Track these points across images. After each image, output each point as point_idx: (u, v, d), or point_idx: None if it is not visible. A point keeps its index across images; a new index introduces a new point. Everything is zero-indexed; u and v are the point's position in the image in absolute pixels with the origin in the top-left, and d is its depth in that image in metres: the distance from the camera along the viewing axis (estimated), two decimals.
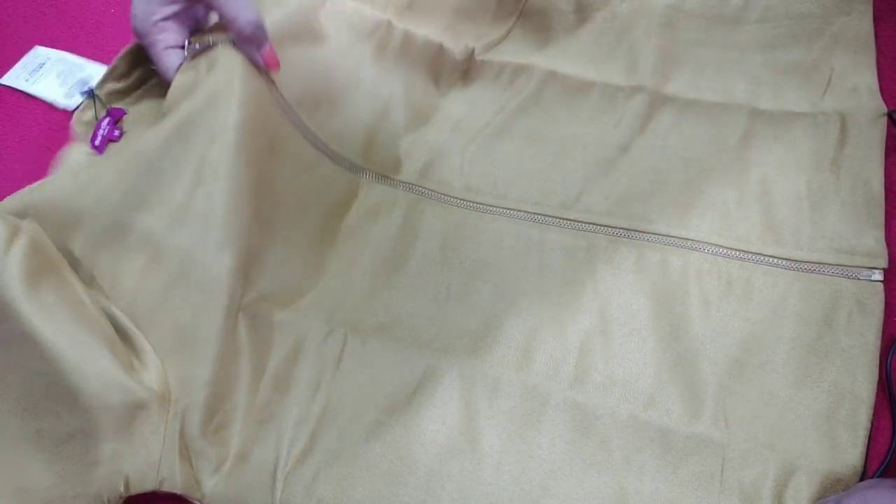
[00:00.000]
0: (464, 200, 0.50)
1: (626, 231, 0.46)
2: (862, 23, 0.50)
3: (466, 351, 0.43)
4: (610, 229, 0.47)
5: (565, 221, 0.48)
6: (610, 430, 0.40)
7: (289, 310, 0.45)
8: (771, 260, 0.44)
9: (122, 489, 0.39)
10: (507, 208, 0.49)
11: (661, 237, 0.46)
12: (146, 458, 0.39)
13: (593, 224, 0.47)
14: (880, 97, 0.47)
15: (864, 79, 0.48)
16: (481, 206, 0.49)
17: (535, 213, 0.48)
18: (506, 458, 0.39)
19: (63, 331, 0.37)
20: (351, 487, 0.39)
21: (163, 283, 0.42)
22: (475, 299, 0.45)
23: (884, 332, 0.40)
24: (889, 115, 0.46)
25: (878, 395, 0.39)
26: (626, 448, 0.39)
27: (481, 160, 0.51)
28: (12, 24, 0.55)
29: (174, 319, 0.41)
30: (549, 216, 0.48)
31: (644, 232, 0.46)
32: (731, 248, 0.44)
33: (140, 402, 0.39)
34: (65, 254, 0.41)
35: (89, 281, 0.42)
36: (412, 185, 0.51)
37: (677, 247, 0.45)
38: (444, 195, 0.50)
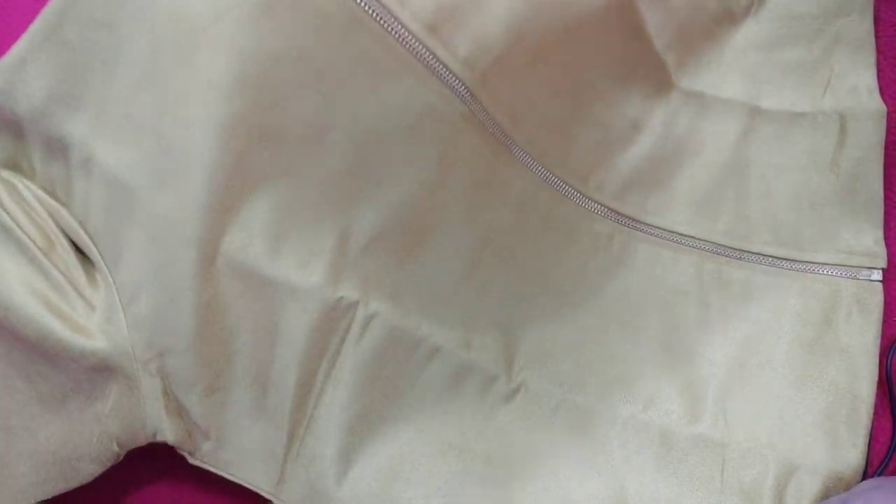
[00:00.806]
0: (495, 125, 0.40)
1: (625, 219, 0.45)
2: (862, 23, 0.49)
3: (472, 347, 0.42)
4: (614, 214, 0.45)
5: (576, 193, 0.44)
6: (609, 431, 0.40)
7: (293, 266, 0.36)
8: (771, 260, 0.44)
9: (115, 448, 0.38)
10: (524, 149, 0.42)
11: (659, 230, 0.45)
12: (129, 416, 0.38)
13: (600, 204, 0.44)
14: (880, 97, 0.47)
15: (863, 79, 0.48)
16: (503, 135, 0.41)
17: (548, 172, 0.43)
18: (507, 459, 0.39)
19: (17, 293, 0.34)
20: (353, 482, 0.39)
21: (114, 217, 0.35)
22: (487, 278, 0.42)
23: (884, 332, 0.41)
24: (889, 116, 0.46)
25: (878, 395, 0.39)
26: (625, 449, 0.39)
27: None
28: (12, 24, 0.55)
29: (134, 267, 0.36)
30: (565, 182, 0.44)
31: (643, 223, 0.45)
32: (731, 248, 0.44)
33: (97, 364, 0.36)
34: (27, 168, 0.37)
35: (61, 200, 0.37)
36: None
37: (678, 243, 0.45)
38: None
